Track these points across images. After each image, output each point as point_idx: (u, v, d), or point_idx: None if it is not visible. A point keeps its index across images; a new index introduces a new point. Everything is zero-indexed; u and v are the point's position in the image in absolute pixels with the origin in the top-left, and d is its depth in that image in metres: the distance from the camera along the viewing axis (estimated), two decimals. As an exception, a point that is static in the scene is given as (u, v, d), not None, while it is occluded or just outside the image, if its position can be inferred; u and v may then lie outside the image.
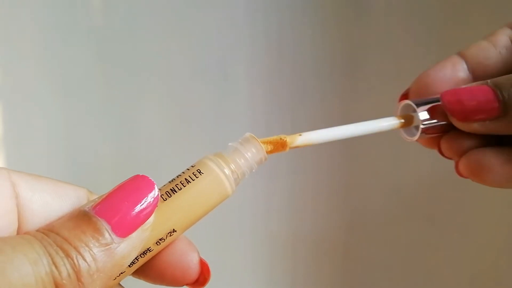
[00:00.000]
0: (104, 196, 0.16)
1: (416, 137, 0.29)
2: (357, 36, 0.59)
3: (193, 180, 0.19)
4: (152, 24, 0.56)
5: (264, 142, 0.25)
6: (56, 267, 0.14)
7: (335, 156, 0.62)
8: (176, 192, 0.18)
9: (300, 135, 0.27)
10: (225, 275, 0.61)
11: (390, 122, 0.29)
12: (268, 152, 0.26)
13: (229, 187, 0.20)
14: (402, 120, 0.29)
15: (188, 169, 0.19)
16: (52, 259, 0.14)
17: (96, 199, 0.17)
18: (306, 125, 0.55)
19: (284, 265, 0.63)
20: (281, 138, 0.26)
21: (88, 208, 0.16)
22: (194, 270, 0.19)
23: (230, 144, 0.21)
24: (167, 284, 0.19)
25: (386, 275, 0.64)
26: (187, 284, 0.19)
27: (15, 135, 0.55)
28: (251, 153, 0.21)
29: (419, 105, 0.29)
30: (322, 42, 0.59)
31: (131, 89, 0.57)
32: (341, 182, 0.62)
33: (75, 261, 0.15)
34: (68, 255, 0.15)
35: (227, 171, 0.20)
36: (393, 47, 0.58)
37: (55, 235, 0.15)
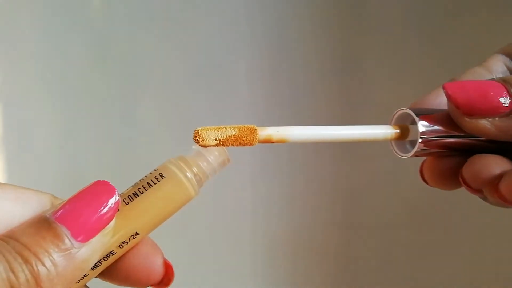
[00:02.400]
0: (65, 202, 0.17)
1: (411, 153, 0.25)
2: (358, 36, 0.58)
3: (154, 184, 0.19)
4: (152, 24, 0.58)
5: (232, 128, 0.20)
6: (13, 273, 0.14)
7: (336, 157, 0.61)
8: (138, 196, 0.19)
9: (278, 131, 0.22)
10: (225, 275, 0.61)
11: (383, 131, 0.24)
12: (232, 139, 0.21)
13: (192, 190, 0.20)
14: (398, 131, 0.24)
15: (150, 173, 0.20)
16: (9, 265, 0.14)
17: (57, 205, 0.17)
18: (306, 125, 0.57)
19: (283, 265, 0.63)
20: (249, 126, 0.21)
21: (48, 214, 0.16)
22: (158, 271, 0.19)
23: (193, 147, 0.21)
24: (132, 285, 0.19)
25: (385, 276, 0.62)
26: (151, 285, 0.19)
27: (15, 135, 0.56)
28: (214, 156, 0.21)
29: (418, 115, 0.24)
30: (322, 43, 0.59)
31: (131, 89, 0.58)
32: (342, 183, 0.62)
33: (34, 266, 0.15)
34: (27, 261, 0.15)
35: (189, 174, 0.20)
36: (393, 48, 0.57)
37: (14, 242, 0.15)
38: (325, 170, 0.62)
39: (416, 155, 0.25)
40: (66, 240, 0.16)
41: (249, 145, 0.22)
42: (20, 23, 0.54)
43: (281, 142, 0.22)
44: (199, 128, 0.21)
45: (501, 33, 0.52)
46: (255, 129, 0.21)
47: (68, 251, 0.16)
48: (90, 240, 0.16)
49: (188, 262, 0.58)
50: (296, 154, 0.61)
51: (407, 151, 0.26)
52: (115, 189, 0.17)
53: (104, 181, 0.17)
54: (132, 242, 0.19)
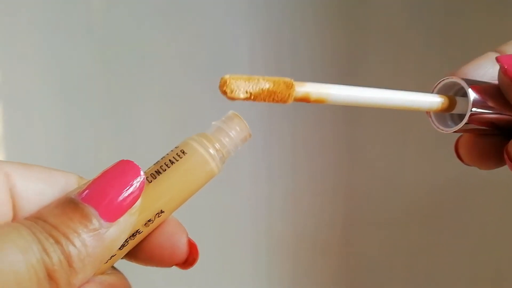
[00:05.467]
0: (90, 182, 0.16)
1: (455, 128, 0.22)
2: (358, 36, 0.57)
3: (177, 160, 0.19)
4: (151, 24, 0.57)
5: (265, 80, 0.17)
6: (46, 254, 0.14)
7: (336, 157, 0.60)
8: (161, 173, 0.18)
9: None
10: (225, 272, 0.61)
11: (429, 99, 0.21)
12: (266, 94, 0.18)
13: (215, 166, 0.19)
14: (445, 101, 0.22)
15: (172, 150, 0.19)
16: (42, 246, 0.14)
17: (83, 185, 0.16)
18: (307, 125, 0.58)
19: (285, 264, 0.63)
20: (286, 80, 0.18)
21: (74, 195, 0.16)
22: (182, 250, 0.18)
23: (213, 123, 0.20)
24: (156, 265, 0.19)
25: (388, 275, 0.62)
26: (176, 265, 0.19)
27: (15, 135, 0.55)
28: (235, 131, 0.20)
29: (469, 84, 0.21)
30: (322, 42, 0.58)
31: (131, 88, 0.58)
32: (344, 182, 0.61)
33: (65, 247, 0.14)
34: (57, 242, 0.14)
35: (211, 150, 0.19)
36: (394, 47, 0.56)
37: (43, 222, 0.15)
38: (326, 169, 0.61)
39: (457, 130, 0.22)
40: (94, 220, 0.15)
41: (283, 102, 0.18)
42: (20, 23, 0.54)
43: (319, 102, 0.19)
44: (226, 76, 0.18)
45: (503, 32, 0.51)
46: (292, 84, 0.18)
47: (97, 231, 0.15)
48: (118, 220, 0.16)
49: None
50: (296, 154, 0.60)
51: (448, 126, 0.23)
52: (139, 168, 0.17)
53: (128, 160, 0.17)
54: (157, 221, 0.18)
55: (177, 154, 0.19)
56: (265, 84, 0.18)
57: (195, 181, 0.19)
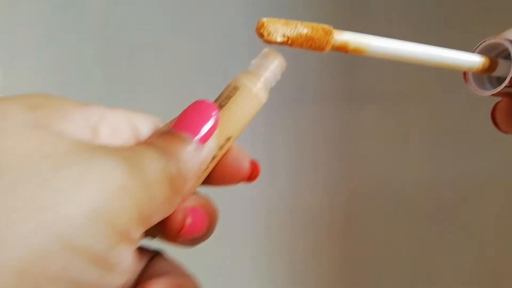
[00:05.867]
0: (178, 118, 0.19)
1: (495, 90, 0.21)
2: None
3: (232, 96, 0.21)
4: (152, 24, 0.57)
5: (304, 25, 0.17)
6: (167, 166, 0.17)
7: (336, 156, 0.60)
8: (223, 106, 0.21)
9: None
10: (225, 272, 0.63)
11: (470, 59, 0.21)
12: (304, 39, 0.17)
13: (262, 97, 0.22)
14: (486, 62, 0.21)
15: (226, 88, 0.22)
16: (164, 160, 0.17)
17: (173, 121, 0.19)
18: (308, 125, 0.58)
19: (283, 263, 0.63)
20: (324, 27, 0.17)
21: (168, 128, 0.19)
22: (246, 168, 0.22)
23: (253, 61, 0.23)
24: (225, 183, 0.22)
25: (386, 273, 0.62)
26: (241, 180, 0.22)
27: None
28: (273, 65, 0.22)
29: (514, 47, 0.21)
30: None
31: (132, 88, 0.58)
32: (342, 183, 0.61)
33: (176, 162, 0.18)
34: (171, 159, 0.18)
35: (258, 84, 0.22)
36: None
37: (156, 147, 0.18)
38: (326, 169, 0.61)
39: (495, 93, 0.22)
40: (191, 143, 0.18)
41: (320, 50, 0.18)
42: (20, 22, 0.53)
43: (357, 52, 0.18)
44: (264, 19, 0.17)
45: (501, 30, 0.49)
46: (331, 31, 0.18)
47: (194, 151, 0.18)
48: (206, 143, 0.19)
49: (188, 262, 0.56)
50: (296, 153, 0.60)
51: (485, 88, 0.22)
52: (213, 103, 0.20)
53: (203, 99, 0.20)
54: (227, 146, 0.21)
55: (231, 91, 0.21)
56: (303, 29, 0.17)
57: (250, 110, 0.22)
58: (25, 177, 0.14)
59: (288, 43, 0.17)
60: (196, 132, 0.19)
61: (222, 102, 0.21)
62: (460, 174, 0.56)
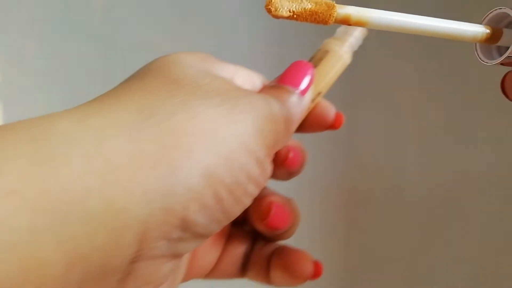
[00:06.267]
0: (283, 74, 0.23)
1: (499, 59, 0.22)
2: None
3: (323, 58, 0.25)
4: (152, 24, 0.57)
5: (308, 1, 0.19)
6: (282, 108, 0.21)
7: (336, 156, 0.60)
8: (316, 66, 0.25)
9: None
10: None
11: (473, 29, 0.22)
12: (308, 13, 0.19)
13: (347, 59, 0.26)
14: (489, 31, 0.22)
15: (316, 52, 0.26)
16: (278, 104, 0.21)
17: (277, 78, 0.23)
18: None
19: None
20: (327, 1, 0.19)
21: (276, 82, 0.23)
22: (331, 117, 0.26)
23: (338, 29, 0.27)
24: (314, 130, 0.26)
25: (386, 273, 0.61)
26: (327, 128, 0.26)
27: None
28: (357, 32, 0.27)
29: (518, 17, 0.21)
30: (322, 41, 0.57)
31: None
32: (342, 182, 0.61)
33: (287, 108, 0.21)
34: (283, 104, 0.21)
35: (343, 48, 0.26)
36: (393, 47, 0.56)
37: (271, 95, 0.22)
38: (326, 169, 0.61)
39: (503, 62, 0.23)
40: (295, 94, 0.22)
41: (324, 24, 0.20)
42: (20, 23, 0.53)
43: (359, 25, 0.20)
44: None
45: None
46: (333, 6, 0.19)
47: (298, 100, 0.22)
48: (305, 95, 0.23)
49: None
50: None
51: (492, 58, 0.23)
52: (309, 62, 0.24)
53: (301, 60, 0.24)
54: (317, 99, 0.25)
55: (322, 53, 0.26)
56: (307, 4, 0.19)
57: (338, 69, 0.26)
58: (217, 103, 0.19)
59: (294, 17, 0.19)
60: (297, 86, 0.23)
61: (315, 62, 0.25)
62: (460, 174, 0.56)
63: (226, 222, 0.19)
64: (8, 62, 0.55)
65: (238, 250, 0.26)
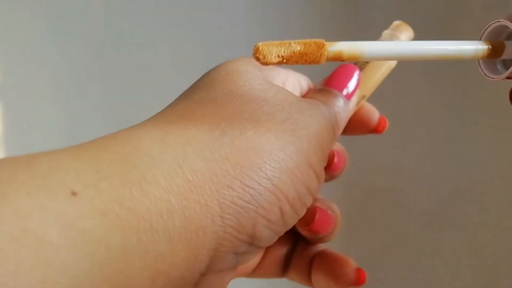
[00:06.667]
0: (329, 77, 0.23)
1: (505, 74, 0.21)
2: (357, 34, 0.55)
3: (369, 61, 0.25)
4: (152, 23, 0.57)
5: (296, 43, 0.18)
6: (330, 114, 0.21)
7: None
8: (362, 69, 0.24)
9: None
10: None
11: (473, 47, 0.21)
12: (297, 56, 0.18)
13: (394, 62, 0.25)
14: (490, 47, 0.21)
15: None
16: (327, 110, 0.21)
17: (324, 80, 0.23)
18: None
19: None
20: (316, 41, 0.18)
21: (321, 86, 0.23)
22: (375, 121, 0.26)
23: (385, 32, 0.26)
24: (358, 133, 0.27)
25: (386, 272, 0.60)
26: (370, 131, 0.27)
27: (15, 135, 0.55)
28: (404, 36, 0.26)
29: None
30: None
31: (133, 88, 0.57)
32: (342, 182, 0.59)
33: (333, 112, 0.22)
34: (330, 109, 0.21)
35: None
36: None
37: (319, 100, 0.22)
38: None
39: (509, 76, 0.21)
40: (340, 98, 0.22)
41: (316, 63, 0.19)
42: (21, 21, 0.54)
43: (353, 59, 0.19)
44: (259, 44, 0.18)
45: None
46: (323, 44, 0.18)
47: (344, 104, 0.22)
48: (351, 99, 0.23)
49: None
50: None
51: (498, 72, 0.22)
52: (356, 66, 0.24)
53: (348, 63, 0.24)
54: (361, 102, 0.25)
55: None
56: (296, 47, 0.18)
57: (383, 72, 0.25)
58: (283, 118, 0.20)
59: (284, 62, 0.18)
60: (343, 90, 0.23)
61: (361, 65, 0.25)
62: (460, 173, 0.55)
63: (284, 232, 0.20)
64: (8, 62, 0.55)
65: (280, 251, 0.27)
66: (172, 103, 0.22)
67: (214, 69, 0.22)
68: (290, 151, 0.19)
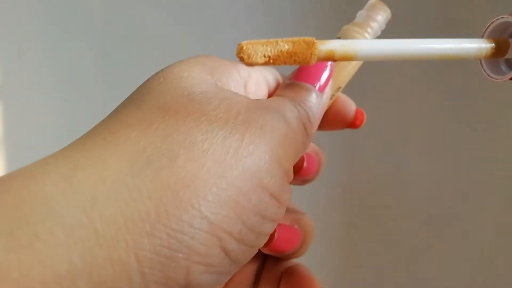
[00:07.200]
0: (299, 69, 0.21)
1: (510, 75, 0.20)
2: None
3: None
4: (152, 23, 0.56)
5: (284, 41, 0.16)
6: (300, 113, 0.19)
7: (335, 155, 0.59)
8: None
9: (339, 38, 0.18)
10: None
11: (475, 45, 0.19)
12: (285, 56, 0.17)
13: None
14: (493, 45, 0.19)
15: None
16: (296, 108, 0.19)
17: (293, 74, 0.21)
18: None
19: None
20: (306, 39, 0.17)
21: (290, 79, 0.21)
22: (351, 115, 0.24)
23: (360, 12, 0.23)
24: (333, 128, 0.25)
25: (386, 272, 0.60)
26: (347, 126, 0.25)
27: (15, 135, 0.55)
28: (380, 16, 0.23)
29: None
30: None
31: (132, 87, 0.56)
32: (341, 182, 0.60)
33: (305, 109, 0.20)
34: (300, 106, 0.20)
35: (366, 34, 0.23)
36: None
37: (285, 97, 0.20)
38: (325, 167, 0.62)
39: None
40: (313, 92, 0.20)
41: (306, 64, 0.17)
42: (21, 23, 0.53)
43: (346, 59, 0.18)
44: (243, 42, 0.17)
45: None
46: (313, 43, 0.17)
47: (316, 98, 0.20)
48: (324, 91, 0.21)
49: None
50: None
51: (502, 73, 0.21)
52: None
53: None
54: (336, 94, 0.23)
55: None
56: (284, 46, 0.17)
57: (358, 61, 0.23)
58: (224, 136, 0.16)
59: (271, 62, 0.17)
60: (315, 82, 0.21)
61: None
62: (460, 173, 0.54)
63: (237, 269, 0.17)
64: (8, 62, 0.55)
65: (249, 268, 0.24)
66: (100, 122, 0.19)
67: (153, 75, 0.20)
68: (232, 176, 0.16)
